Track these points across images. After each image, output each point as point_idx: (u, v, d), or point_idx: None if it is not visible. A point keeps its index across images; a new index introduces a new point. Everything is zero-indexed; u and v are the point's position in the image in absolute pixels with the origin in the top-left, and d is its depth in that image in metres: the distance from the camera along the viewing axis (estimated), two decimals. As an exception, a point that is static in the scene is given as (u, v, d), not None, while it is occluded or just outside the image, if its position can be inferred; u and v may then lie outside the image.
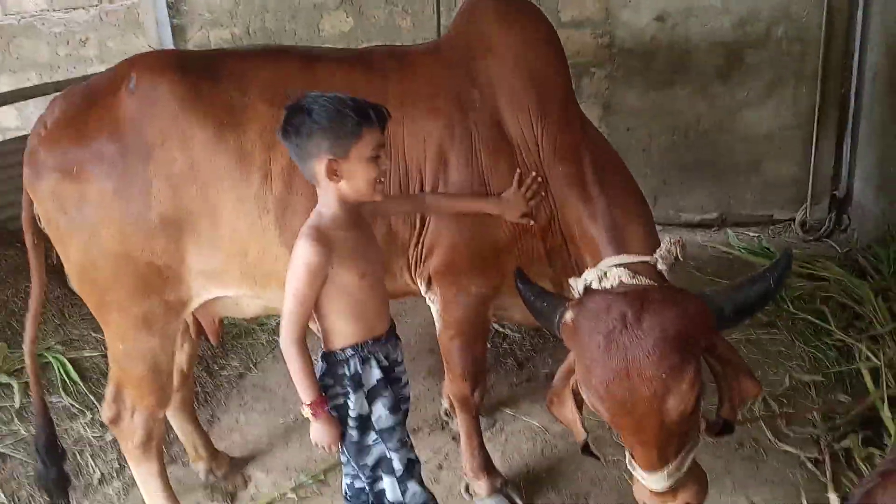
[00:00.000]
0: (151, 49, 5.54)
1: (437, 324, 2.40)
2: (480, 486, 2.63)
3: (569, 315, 1.84)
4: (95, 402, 3.38)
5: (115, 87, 2.15)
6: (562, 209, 2.17)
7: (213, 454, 2.98)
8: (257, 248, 2.18)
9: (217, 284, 2.26)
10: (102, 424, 3.25)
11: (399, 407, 2.04)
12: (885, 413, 2.69)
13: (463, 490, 2.72)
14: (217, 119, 2.11)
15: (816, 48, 4.60)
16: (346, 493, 2.12)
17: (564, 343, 1.88)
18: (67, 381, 3.51)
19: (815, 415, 2.88)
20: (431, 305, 2.38)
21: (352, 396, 1.97)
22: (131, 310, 2.22)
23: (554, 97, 2.22)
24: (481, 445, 2.64)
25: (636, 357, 1.66)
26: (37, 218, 2.30)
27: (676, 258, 1.94)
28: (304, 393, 1.93)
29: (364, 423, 1.99)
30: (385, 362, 2.00)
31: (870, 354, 3.07)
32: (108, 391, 2.44)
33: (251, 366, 3.86)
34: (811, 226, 4.83)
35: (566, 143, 2.18)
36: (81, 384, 3.51)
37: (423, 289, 2.35)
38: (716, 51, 4.80)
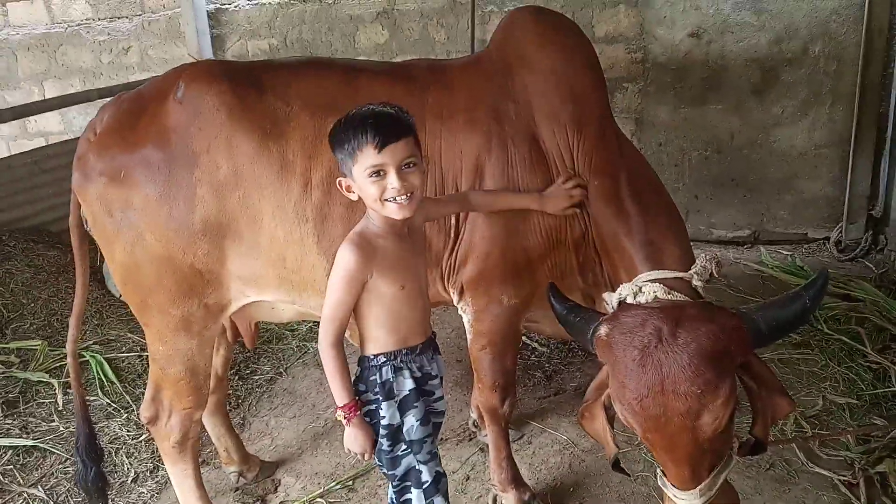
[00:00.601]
0: (192, 58, 5.68)
1: (468, 334, 2.42)
2: (508, 498, 2.63)
3: (603, 329, 1.84)
4: (131, 402, 3.47)
5: (163, 96, 2.22)
6: (597, 223, 2.18)
7: (245, 458, 3.03)
8: (295, 256, 2.22)
9: (255, 289, 2.31)
10: (138, 424, 3.33)
11: (429, 419, 2.06)
12: (923, 438, 2.64)
13: (490, 502, 2.73)
14: (261, 128, 2.17)
15: (854, 66, 4.55)
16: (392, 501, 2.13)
17: (598, 357, 1.89)
18: (104, 380, 3.60)
19: (850, 437, 2.84)
20: (463, 315, 2.40)
21: (383, 405, 1.99)
22: (172, 312, 2.28)
23: (591, 113, 2.24)
24: (510, 457, 2.64)
25: (671, 372, 1.66)
26: (83, 220, 2.38)
27: (712, 275, 1.94)
28: (338, 396, 1.95)
29: (395, 433, 2.01)
30: (418, 374, 2.02)
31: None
32: (148, 391, 2.50)
33: (282, 371, 3.92)
34: (846, 245, 4.76)
35: (602, 159, 2.20)
36: (118, 384, 3.60)
37: (455, 298, 2.37)
38: (751, 67, 4.78)
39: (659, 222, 2.08)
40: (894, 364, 3.17)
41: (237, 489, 3.00)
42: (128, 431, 3.34)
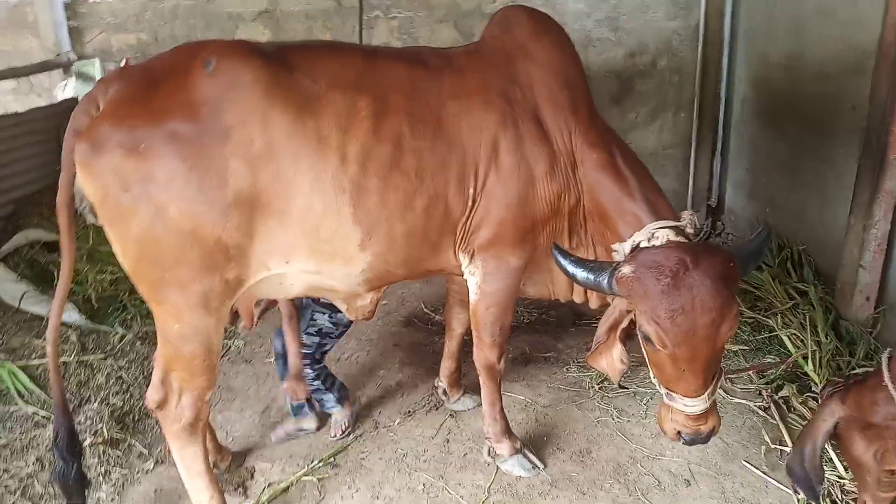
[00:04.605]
0: (50, 51, 5.25)
1: (473, 296, 2.64)
2: (503, 447, 2.88)
3: (626, 269, 2.19)
4: (60, 410, 3.19)
5: (186, 69, 2.17)
6: (592, 191, 2.52)
7: (217, 447, 2.95)
8: (330, 226, 2.28)
9: (281, 259, 2.31)
10: (75, 431, 3.09)
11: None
12: (809, 367, 3.33)
13: (486, 453, 2.95)
14: (295, 104, 2.20)
15: (693, 79, 5.43)
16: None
17: (621, 294, 2.22)
18: (24, 389, 3.27)
19: (752, 374, 3.47)
20: (470, 278, 2.61)
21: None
22: (192, 288, 2.21)
23: (582, 96, 2.60)
24: (502, 411, 2.89)
25: (700, 293, 2.06)
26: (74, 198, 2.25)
27: (695, 225, 2.38)
28: None
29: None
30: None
31: (775, 326, 3.73)
32: (156, 375, 2.38)
33: (208, 371, 3.79)
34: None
35: (596, 135, 2.56)
36: (39, 391, 3.29)
37: (465, 263, 2.58)
38: (610, 79, 5.47)
39: (648, 184, 2.49)
40: (766, 317, 3.88)
41: (214, 481, 2.92)
42: (64, 440, 3.07)
